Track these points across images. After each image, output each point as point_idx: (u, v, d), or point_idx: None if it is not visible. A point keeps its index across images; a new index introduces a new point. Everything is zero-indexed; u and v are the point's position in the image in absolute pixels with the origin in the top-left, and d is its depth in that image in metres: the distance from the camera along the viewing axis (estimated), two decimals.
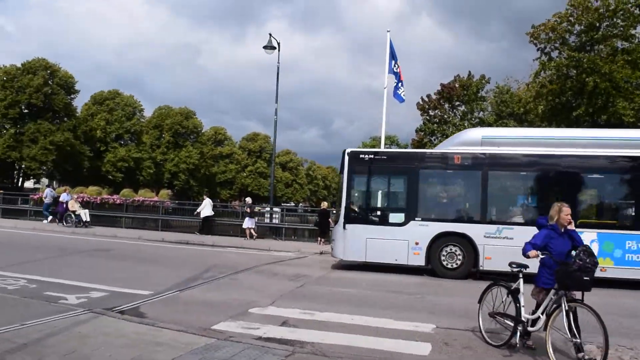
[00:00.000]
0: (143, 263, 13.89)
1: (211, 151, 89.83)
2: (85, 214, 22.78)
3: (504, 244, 12.22)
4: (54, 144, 57.17)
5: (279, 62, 23.91)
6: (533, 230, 11.19)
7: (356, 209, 14.04)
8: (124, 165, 69.13)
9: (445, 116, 41.48)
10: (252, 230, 20.55)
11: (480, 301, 7.17)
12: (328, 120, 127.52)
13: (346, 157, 13.87)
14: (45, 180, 72.50)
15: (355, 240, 13.43)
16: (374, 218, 13.92)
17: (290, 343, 6.51)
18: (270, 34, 23.15)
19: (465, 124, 40.31)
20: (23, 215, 27.92)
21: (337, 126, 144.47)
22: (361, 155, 14.09)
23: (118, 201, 23.99)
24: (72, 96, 64.05)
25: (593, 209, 13.05)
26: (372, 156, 14.06)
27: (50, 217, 24.80)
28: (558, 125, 30.08)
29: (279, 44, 23.52)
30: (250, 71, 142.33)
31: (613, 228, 12.27)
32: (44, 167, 59.85)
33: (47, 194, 26.54)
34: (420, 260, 13.05)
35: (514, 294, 6.67)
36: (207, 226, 21.79)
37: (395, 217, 13.47)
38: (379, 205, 14.35)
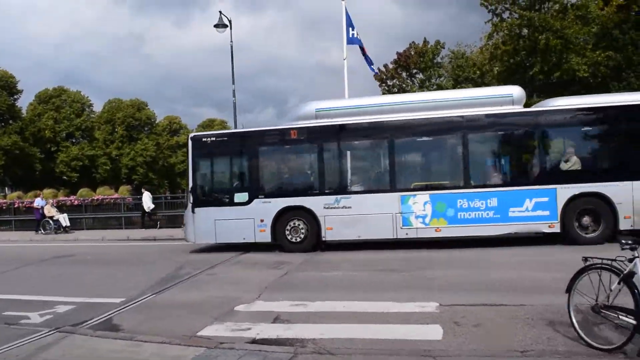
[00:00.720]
0: (110, 266, 12.97)
1: (167, 142, 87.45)
2: (64, 219, 21.80)
3: (343, 214, 12.75)
4: (1, 148, 54.58)
5: (231, 41, 22.84)
6: (371, 198, 12.29)
7: (203, 192, 14.14)
8: (78, 164, 66.68)
9: (404, 85, 40.97)
10: None
11: (569, 289, 5.37)
12: (282, 100, 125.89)
13: (189, 142, 14.06)
14: None
15: (205, 223, 13.58)
16: (220, 199, 13.91)
17: (288, 343, 5.83)
18: (220, 12, 22.02)
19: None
20: None
21: (292, 104, 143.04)
22: (204, 139, 14.24)
23: (76, 202, 22.77)
24: (15, 97, 61.16)
25: (424, 172, 13.54)
26: (213, 139, 14.16)
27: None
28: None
29: (230, 21, 22.44)
30: (198, 56, 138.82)
31: (445, 189, 12.65)
32: None
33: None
34: (266, 237, 13.29)
35: (628, 279, 4.87)
36: (151, 220, 21.71)
37: (240, 196, 13.56)
38: (224, 186, 14.50)
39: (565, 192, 11.88)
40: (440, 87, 39.65)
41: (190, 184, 13.98)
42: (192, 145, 13.96)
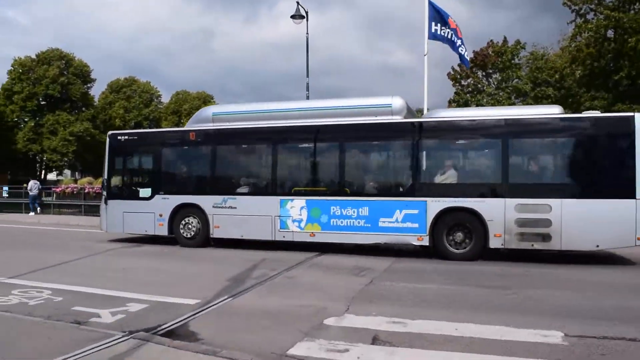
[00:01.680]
0: (182, 261, 12.35)
1: None
2: None
3: (228, 213, 13.54)
4: (73, 134, 56.37)
5: (307, 33, 22.11)
6: (254, 200, 13.05)
7: (115, 186, 15.25)
8: None
9: (479, 85, 39.24)
10: None
11: None
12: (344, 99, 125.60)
13: (107, 139, 15.29)
14: (67, 172, 72.03)
15: (115, 214, 14.84)
16: (128, 193, 14.97)
17: None
18: (297, 2, 21.29)
19: (501, 93, 38.24)
20: (47, 209, 27.25)
21: None
22: (119, 137, 15.27)
23: None
24: (88, 85, 63.11)
25: (302, 178, 13.77)
26: (127, 137, 15.30)
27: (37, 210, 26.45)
28: (597, 91, 28.29)
29: (307, 12, 21.67)
30: (261, 53, 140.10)
31: (320, 195, 12.88)
32: (66, 159, 59.08)
33: (32, 186, 26.93)
34: (164, 231, 14.31)
35: None
36: None
37: (144, 192, 14.54)
38: (132, 181, 15.39)
39: (435, 205, 11.76)
40: (517, 89, 37.80)
41: (105, 178, 15.25)
42: (108, 142, 15.21)
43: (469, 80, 39.52)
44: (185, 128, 15.06)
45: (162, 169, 14.85)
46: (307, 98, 22.01)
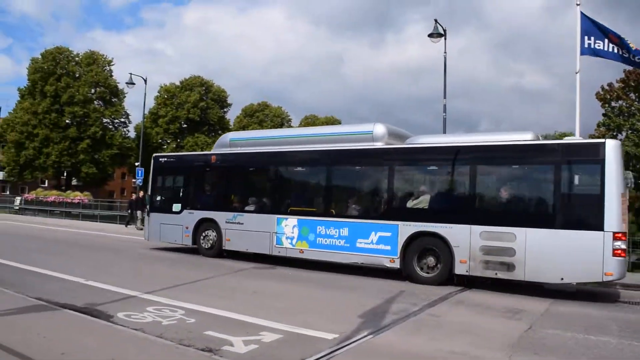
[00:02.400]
0: (310, 285, 11.69)
1: None
2: None
3: (237, 228, 14.95)
4: None
5: (445, 52, 20.99)
6: (257, 217, 14.35)
7: (156, 201, 17.21)
8: None
9: (633, 108, 35.40)
10: None
11: None
12: (474, 123, 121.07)
13: (152, 160, 17.57)
14: None
15: (154, 225, 16.88)
16: (164, 208, 16.80)
17: None
18: (435, 20, 20.38)
19: None
20: None
21: (483, 128, 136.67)
22: (160, 159, 17.66)
23: None
24: (225, 110, 66.52)
25: (296, 198, 14.85)
26: (166, 159, 17.90)
27: None
28: None
29: (445, 30, 20.64)
30: (388, 77, 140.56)
31: (309, 215, 13.67)
32: None
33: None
34: (189, 241, 16.01)
35: None
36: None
37: (176, 207, 16.41)
38: (168, 197, 17.13)
39: (406, 229, 12.03)
40: None
41: (150, 194, 17.58)
42: (152, 163, 17.49)
43: (620, 102, 35.85)
44: (208, 152, 17.16)
45: (189, 187, 16.89)
46: (444, 121, 20.83)
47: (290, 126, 78.46)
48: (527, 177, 11.59)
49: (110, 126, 58.16)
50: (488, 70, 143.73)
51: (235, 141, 16.29)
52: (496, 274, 10.97)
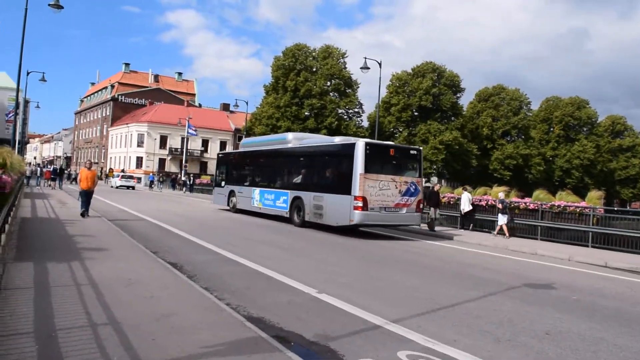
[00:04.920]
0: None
1: (608, 144, 77.24)
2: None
3: (240, 196, 24.47)
4: (443, 143, 56.88)
5: None
6: (247, 189, 23.88)
7: (217, 181, 28.06)
8: (511, 163, 64.80)
9: None
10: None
11: None
12: None
13: (217, 156, 31.02)
14: (434, 179, 73.83)
15: (217, 196, 27.70)
16: (219, 184, 27.48)
17: None
18: None
19: None
20: None
21: None
22: (220, 154, 30.01)
23: (532, 206, 18.91)
24: (457, 95, 63.02)
25: (262, 177, 23.69)
26: (222, 155, 29.80)
27: None
28: None
29: None
30: None
31: (264, 187, 22.51)
32: (434, 166, 60.10)
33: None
34: (226, 206, 25.90)
35: None
36: (467, 221, 21.07)
37: (222, 183, 26.86)
38: (220, 178, 27.33)
39: (291, 194, 19.74)
40: None
41: (215, 176, 30.04)
42: (217, 157, 30.13)
43: None
44: (236, 150, 31.40)
45: (226, 171, 26.80)
46: None
47: (529, 110, 72.01)
48: (327, 164, 18.86)
49: (345, 116, 59.27)
50: None
51: (243, 144, 28.72)
52: (317, 219, 17.90)
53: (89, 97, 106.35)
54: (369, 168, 15.92)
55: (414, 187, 16.94)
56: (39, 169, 46.45)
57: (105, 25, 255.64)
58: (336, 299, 7.08)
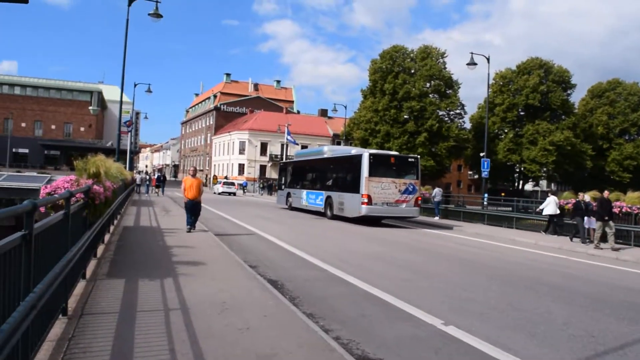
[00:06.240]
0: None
1: None
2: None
3: (294, 196, 29.83)
4: (553, 144, 53.03)
5: None
6: (299, 191, 29.50)
7: (280, 184, 33.34)
8: (631, 164, 59.28)
9: None
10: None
11: None
12: None
13: (278, 165, 39.01)
14: (543, 183, 69.35)
15: (279, 197, 33.65)
16: (281, 187, 32.83)
17: None
18: None
19: None
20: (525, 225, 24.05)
21: None
22: (280, 163, 37.41)
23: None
24: (568, 92, 58.61)
25: (309, 181, 28.66)
26: (281, 164, 36.02)
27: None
28: None
29: None
30: None
31: (307, 189, 27.89)
32: (544, 169, 56.29)
33: (436, 193, 27.66)
34: (285, 206, 31.17)
35: None
36: (552, 225, 20.28)
37: (283, 186, 31.96)
38: (282, 182, 32.60)
39: (325, 194, 24.92)
40: None
41: (278, 181, 35.91)
42: (279, 166, 36.85)
43: None
44: (291, 160, 36.48)
45: (285, 177, 31.81)
46: None
47: None
48: (346, 170, 23.83)
49: (446, 118, 56.89)
50: None
51: (296, 155, 35.63)
52: (340, 213, 23.07)
53: (193, 108, 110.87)
54: (372, 172, 21.06)
55: (412, 187, 21.74)
56: (148, 176, 48.20)
57: (207, 39, 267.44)
58: (469, 335, 5.77)
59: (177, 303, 6.02)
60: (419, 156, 24.87)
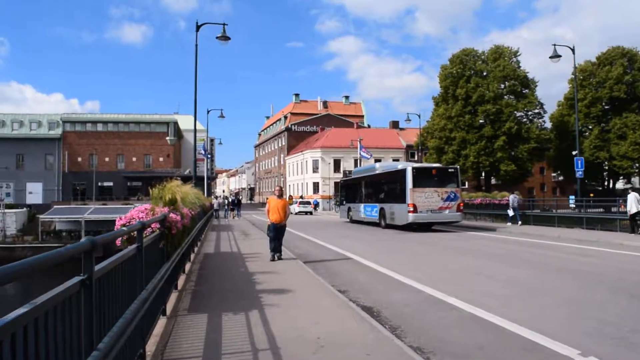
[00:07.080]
0: None
1: None
2: None
3: (353, 210, 33.44)
4: None
5: None
6: (357, 205, 33.20)
7: (340, 199, 38.32)
8: None
9: None
10: None
11: None
12: None
13: (339, 183, 45.55)
14: (635, 180, 64.64)
15: (341, 211, 37.27)
16: (342, 202, 36.57)
17: None
18: None
19: None
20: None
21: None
22: (339, 182, 47.53)
23: None
24: None
25: (365, 195, 31.24)
26: (341, 182, 40.73)
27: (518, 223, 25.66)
28: None
29: None
30: None
31: (364, 202, 31.09)
32: (636, 165, 52.33)
33: (513, 200, 26.25)
34: (347, 219, 34.72)
35: None
36: (634, 224, 19.70)
37: (343, 202, 35.82)
38: (342, 198, 37.12)
39: (379, 206, 27.66)
40: None
41: (339, 197, 43.31)
42: (340, 183, 44.12)
43: None
44: (350, 177, 39.16)
45: (345, 193, 36.20)
46: None
47: None
48: (395, 183, 26.10)
49: (525, 119, 54.15)
50: None
51: (353, 172, 38.65)
52: (391, 222, 25.50)
53: (265, 130, 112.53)
54: (416, 184, 23.58)
55: (453, 194, 23.92)
56: (226, 200, 48.71)
57: (274, 63, 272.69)
58: None
59: (266, 341, 5.31)
60: (458, 167, 27.57)
